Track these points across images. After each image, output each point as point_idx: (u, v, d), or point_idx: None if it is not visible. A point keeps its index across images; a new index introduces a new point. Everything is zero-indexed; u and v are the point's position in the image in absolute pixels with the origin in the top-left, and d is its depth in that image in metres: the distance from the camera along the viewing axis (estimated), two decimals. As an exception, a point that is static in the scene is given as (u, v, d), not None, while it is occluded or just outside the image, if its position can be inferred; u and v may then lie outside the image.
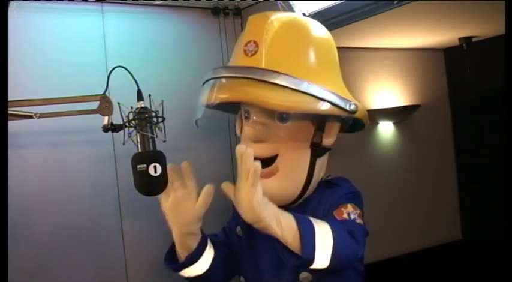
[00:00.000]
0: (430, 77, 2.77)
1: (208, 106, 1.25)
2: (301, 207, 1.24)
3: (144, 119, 1.23)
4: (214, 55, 1.82)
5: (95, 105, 1.30)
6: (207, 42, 1.83)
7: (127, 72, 1.27)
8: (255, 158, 1.22)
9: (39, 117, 1.26)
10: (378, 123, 2.56)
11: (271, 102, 1.13)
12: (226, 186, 1.11)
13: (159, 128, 1.26)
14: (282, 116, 1.19)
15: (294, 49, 1.20)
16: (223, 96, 1.19)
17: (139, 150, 1.22)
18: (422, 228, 2.61)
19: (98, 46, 1.61)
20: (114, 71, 1.28)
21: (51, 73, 1.52)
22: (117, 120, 1.27)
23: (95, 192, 1.58)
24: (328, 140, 1.22)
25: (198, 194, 1.22)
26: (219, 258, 1.29)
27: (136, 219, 1.64)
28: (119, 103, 1.24)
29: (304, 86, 1.13)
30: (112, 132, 1.29)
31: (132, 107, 1.25)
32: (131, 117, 1.24)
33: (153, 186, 1.21)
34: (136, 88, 1.26)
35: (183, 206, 1.20)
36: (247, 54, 1.20)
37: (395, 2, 1.42)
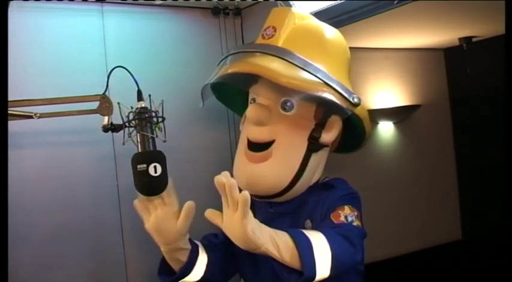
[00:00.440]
0: (430, 77, 2.77)
1: (219, 92, 1.25)
2: (298, 210, 1.24)
3: (144, 119, 1.23)
4: (214, 55, 1.81)
5: (95, 105, 1.30)
6: (207, 42, 1.82)
7: (127, 72, 1.27)
8: (253, 142, 1.22)
9: (39, 117, 1.26)
10: (377, 123, 2.56)
11: (277, 76, 1.13)
12: (213, 215, 1.08)
13: (159, 128, 1.26)
14: (286, 104, 1.19)
15: (310, 40, 1.23)
16: (232, 69, 1.21)
17: (139, 150, 1.23)
18: (422, 228, 2.61)
19: (98, 46, 1.61)
20: (114, 71, 1.29)
21: (51, 73, 1.52)
22: (117, 120, 1.27)
23: (95, 192, 1.58)
24: (327, 136, 1.22)
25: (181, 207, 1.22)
26: (215, 260, 1.28)
27: (137, 219, 1.63)
28: (119, 103, 1.24)
29: (312, 68, 1.15)
30: (112, 132, 1.29)
31: (132, 107, 1.25)
32: (131, 117, 1.24)
33: (153, 186, 1.21)
34: (136, 88, 1.27)
35: (164, 224, 1.20)
36: (264, 38, 1.23)
37: (395, 2, 1.42)
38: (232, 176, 1.06)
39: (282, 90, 1.18)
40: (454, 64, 2.78)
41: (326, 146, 1.25)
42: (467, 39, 2.35)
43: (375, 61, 2.53)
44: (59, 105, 1.29)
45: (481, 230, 2.72)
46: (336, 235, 1.06)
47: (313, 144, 1.22)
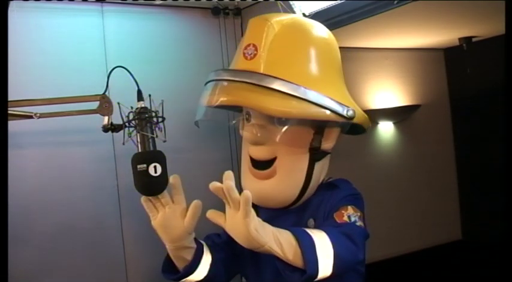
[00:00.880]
0: (430, 77, 2.77)
1: (209, 107, 1.25)
2: (302, 209, 1.24)
3: (144, 119, 1.23)
4: (214, 55, 1.82)
5: (95, 105, 1.30)
6: (207, 42, 1.82)
7: (127, 72, 1.27)
8: (255, 160, 1.22)
9: (39, 117, 1.26)
10: (377, 123, 2.56)
11: (268, 108, 1.13)
12: (215, 215, 1.08)
13: (159, 128, 1.26)
14: (281, 120, 1.19)
15: (293, 53, 1.20)
16: (223, 99, 1.20)
17: (139, 150, 1.23)
18: (422, 228, 2.61)
19: (98, 46, 1.61)
20: (114, 71, 1.29)
21: (51, 73, 1.52)
22: (117, 120, 1.27)
23: (95, 192, 1.58)
24: (327, 144, 1.22)
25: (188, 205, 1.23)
26: (219, 260, 1.29)
27: (136, 219, 1.64)
28: (119, 103, 1.24)
29: (301, 92, 1.12)
30: (112, 132, 1.29)
31: (132, 107, 1.25)
32: (131, 117, 1.24)
33: (153, 186, 1.21)
34: (136, 88, 1.26)
35: (172, 222, 1.20)
36: (246, 58, 1.20)
37: (395, 2, 1.42)
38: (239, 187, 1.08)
39: None
40: (454, 64, 2.77)
41: (328, 152, 1.25)
42: (467, 39, 2.34)
43: (375, 61, 2.53)
44: (59, 105, 1.29)
45: (481, 230, 2.72)
46: (339, 234, 1.06)
47: (315, 154, 1.22)
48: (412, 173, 2.64)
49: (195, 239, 1.27)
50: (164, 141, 1.25)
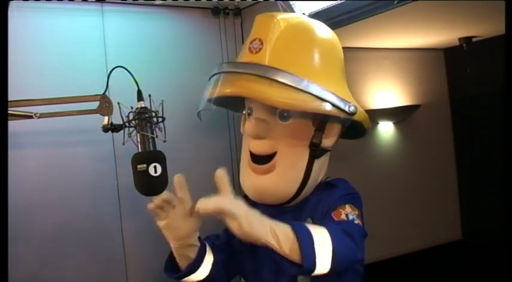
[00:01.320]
0: (430, 77, 2.77)
1: (210, 100, 1.24)
2: (299, 208, 1.24)
3: (144, 119, 1.23)
4: (214, 55, 1.82)
5: (95, 105, 1.30)
6: (207, 42, 1.82)
7: (127, 72, 1.27)
8: (255, 155, 1.22)
9: (39, 117, 1.26)
10: (377, 123, 2.56)
11: (270, 98, 1.13)
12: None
13: (159, 128, 1.26)
14: (283, 114, 1.19)
15: (298, 49, 1.21)
16: (226, 90, 1.20)
17: (139, 150, 1.23)
18: (422, 228, 2.61)
19: (98, 46, 1.61)
20: (114, 71, 1.29)
21: (51, 73, 1.52)
22: (117, 120, 1.27)
23: (95, 192, 1.58)
24: (327, 141, 1.22)
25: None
26: (220, 261, 1.29)
27: (136, 219, 1.64)
28: (119, 103, 1.24)
29: (304, 85, 1.13)
30: (112, 132, 1.29)
31: (132, 107, 1.25)
32: (131, 117, 1.24)
33: (153, 186, 1.21)
34: (137, 88, 1.27)
35: (177, 222, 1.19)
36: (251, 52, 1.21)
37: (396, 2, 1.42)
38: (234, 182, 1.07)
39: None
40: (454, 64, 2.78)
41: (328, 150, 1.25)
42: (467, 39, 2.35)
43: (375, 61, 2.53)
44: (59, 105, 1.29)
45: (481, 230, 2.72)
46: (339, 230, 1.06)
47: (315, 151, 1.22)
48: (412, 173, 2.64)
49: (199, 238, 1.27)
50: (164, 141, 1.25)
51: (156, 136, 1.24)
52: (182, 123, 1.62)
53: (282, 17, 1.23)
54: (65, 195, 1.53)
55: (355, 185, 1.28)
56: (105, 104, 1.30)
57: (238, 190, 1.80)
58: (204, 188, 1.64)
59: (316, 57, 1.21)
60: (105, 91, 1.31)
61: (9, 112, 1.19)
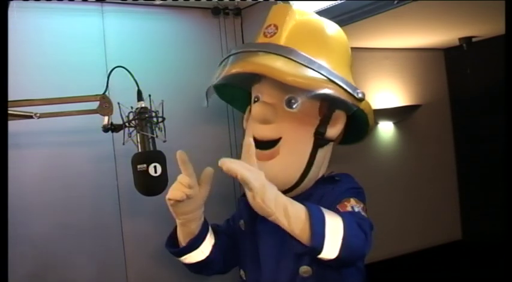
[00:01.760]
0: (430, 77, 2.77)
1: (221, 80, 1.24)
2: (303, 202, 1.24)
3: (144, 119, 1.23)
4: (214, 55, 1.82)
5: (95, 105, 1.30)
6: (207, 42, 1.82)
7: (127, 72, 1.27)
8: (260, 140, 1.23)
9: (39, 117, 1.26)
10: (377, 123, 2.56)
11: (282, 75, 1.14)
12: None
13: (159, 128, 1.26)
14: (291, 101, 1.20)
15: (312, 37, 1.23)
16: (236, 69, 1.20)
17: (139, 150, 1.22)
18: (422, 228, 2.61)
19: (98, 46, 1.61)
20: (114, 71, 1.29)
21: (51, 73, 1.52)
22: (117, 120, 1.27)
23: (94, 192, 1.58)
24: (332, 131, 1.23)
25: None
26: (219, 246, 1.29)
27: (136, 219, 1.64)
28: (119, 103, 1.24)
29: (316, 66, 1.15)
30: (112, 132, 1.29)
31: (132, 107, 1.25)
32: (131, 117, 1.24)
33: (153, 186, 1.21)
34: (137, 88, 1.27)
35: (190, 198, 1.18)
36: (266, 36, 1.22)
37: (396, 2, 1.42)
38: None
39: (286, 88, 1.18)
40: (454, 64, 2.78)
41: (332, 140, 1.26)
42: (467, 39, 2.35)
43: (375, 61, 2.53)
44: (59, 105, 1.29)
45: (481, 230, 2.72)
46: (352, 220, 1.05)
47: (320, 140, 1.22)
48: (412, 173, 2.64)
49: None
50: (164, 141, 1.25)
51: (156, 136, 1.24)
52: (182, 123, 1.62)
53: (297, 8, 1.26)
54: (65, 195, 1.53)
55: (357, 183, 1.29)
56: (105, 104, 1.30)
57: (238, 189, 1.80)
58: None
59: (329, 46, 1.23)
60: (105, 91, 1.31)
61: (9, 112, 1.19)
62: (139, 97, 1.26)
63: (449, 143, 2.84)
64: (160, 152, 1.22)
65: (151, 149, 1.22)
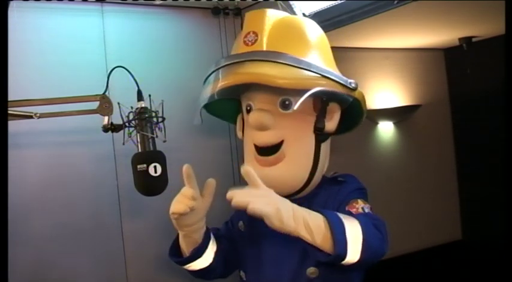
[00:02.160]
0: (430, 77, 2.77)
1: (211, 97, 1.24)
2: (308, 202, 1.24)
3: (144, 119, 1.23)
4: (215, 55, 1.82)
5: (95, 105, 1.30)
6: (207, 42, 1.82)
7: (127, 72, 1.27)
8: (260, 147, 1.23)
9: (39, 117, 1.26)
10: (377, 123, 2.56)
11: (274, 80, 1.14)
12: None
13: (159, 128, 1.26)
14: (285, 103, 1.20)
15: (292, 37, 1.23)
16: (227, 82, 1.19)
17: (139, 150, 1.22)
18: (423, 228, 2.61)
19: (98, 46, 1.61)
20: (114, 71, 1.28)
21: (51, 73, 1.52)
22: (117, 120, 1.27)
23: (95, 192, 1.58)
24: (330, 124, 1.24)
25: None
26: (221, 251, 1.30)
27: (136, 219, 1.64)
28: (119, 103, 1.24)
29: (305, 64, 1.16)
30: (112, 132, 1.29)
31: (132, 107, 1.25)
32: (131, 117, 1.24)
33: (153, 186, 1.21)
34: (137, 88, 1.26)
35: (193, 210, 1.18)
36: (247, 44, 1.22)
37: (396, 2, 1.42)
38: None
39: (278, 91, 1.18)
40: (454, 64, 2.78)
41: (332, 133, 1.27)
42: (467, 39, 2.35)
43: (375, 61, 2.53)
44: (59, 105, 1.29)
45: (481, 230, 2.72)
46: (368, 222, 1.06)
47: (320, 135, 1.23)
48: (412, 173, 2.64)
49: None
50: (164, 141, 1.25)
51: (156, 136, 1.24)
52: (182, 123, 1.62)
53: (270, 11, 1.27)
54: (65, 195, 1.53)
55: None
56: (105, 104, 1.29)
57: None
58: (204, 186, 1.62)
59: (310, 42, 1.23)
60: (105, 91, 1.31)
61: (9, 112, 1.19)
62: (139, 97, 1.26)
63: (449, 143, 2.84)
64: (160, 152, 1.22)
65: (151, 149, 1.22)
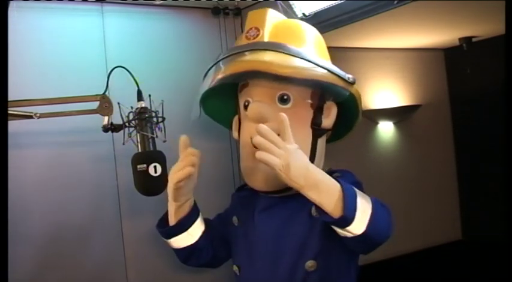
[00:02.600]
0: (430, 77, 2.77)
1: (205, 104, 1.24)
2: (303, 196, 1.25)
3: (144, 119, 1.23)
4: (215, 55, 1.81)
5: (95, 105, 1.30)
6: (207, 42, 1.82)
7: (127, 72, 1.27)
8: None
9: (39, 117, 1.26)
10: (377, 123, 2.56)
11: (274, 68, 1.15)
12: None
13: (159, 128, 1.26)
14: (283, 97, 1.21)
15: (291, 34, 1.25)
16: (227, 71, 1.20)
17: (139, 150, 1.23)
18: (422, 228, 2.61)
19: (98, 46, 1.61)
20: (114, 71, 1.29)
21: (51, 73, 1.52)
22: (117, 120, 1.27)
23: (95, 192, 1.58)
24: (327, 121, 1.25)
25: None
26: (209, 235, 1.31)
27: (137, 219, 1.64)
28: (119, 103, 1.24)
29: (305, 55, 1.18)
30: (112, 132, 1.29)
31: (132, 107, 1.25)
32: (131, 117, 1.24)
33: (153, 186, 1.21)
34: (137, 88, 1.27)
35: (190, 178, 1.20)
36: (249, 39, 1.24)
37: (396, 2, 1.42)
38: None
39: (276, 86, 1.19)
40: (454, 64, 2.78)
41: (328, 130, 1.28)
42: (467, 39, 2.35)
43: (375, 61, 2.53)
44: (59, 105, 1.29)
45: (481, 230, 2.72)
46: (378, 201, 1.08)
47: (317, 130, 1.24)
48: (412, 173, 2.64)
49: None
50: (164, 141, 1.25)
51: (156, 136, 1.24)
52: (182, 123, 1.62)
53: (272, 11, 1.29)
54: (65, 195, 1.53)
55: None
56: (105, 104, 1.30)
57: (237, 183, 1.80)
58: (204, 187, 1.65)
59: (309, 41, 1.26)
60: (105, 91, 1.31)
61: (9, 112, 1.19)
62: (139, 97, 1.26)
63: (449, 143, 2.84)
64: (160, 152, 1.23)
65: (151, 149, 1.22)
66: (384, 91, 2.57)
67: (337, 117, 1.28)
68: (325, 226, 1.11)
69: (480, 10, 1.80)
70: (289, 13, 1.56)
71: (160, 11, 1.73)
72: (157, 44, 1.73)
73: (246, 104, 1.26)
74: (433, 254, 2.65)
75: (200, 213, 1.30)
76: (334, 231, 1.07)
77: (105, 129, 1.29)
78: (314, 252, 1.16)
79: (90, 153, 1.57)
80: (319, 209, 1.04)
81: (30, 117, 1.25)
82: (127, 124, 1.24)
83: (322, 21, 1.61)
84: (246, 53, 1.20)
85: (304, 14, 1.61)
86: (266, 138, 1.01)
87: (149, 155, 1.21)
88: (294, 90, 1.20)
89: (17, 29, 1.42)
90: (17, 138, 1.41)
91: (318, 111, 1.24)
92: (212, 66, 1.28)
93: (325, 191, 1.02)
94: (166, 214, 1.28)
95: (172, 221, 1.26)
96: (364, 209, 1.02)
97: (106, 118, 1.29)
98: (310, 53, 1.21)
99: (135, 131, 1.23)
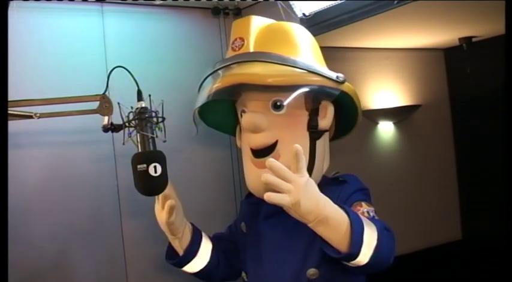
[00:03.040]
0: (430, 77, 2.77)
1: (208, 117, 1.26)
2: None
3: (144, 119, 1.23)
4: (215, 55, 1.82)
5: (95, 105, 1.30)
6: (207, 42, 1.82)
7: (127, 72, 1.27)
8: (256, 150, 1.23)
9: (39, 117, 1.26)
10: (377, 123, 2.56)
11: (262, 79, 1.17)
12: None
13: (159, 128, 1.26)
14: (276, 104, 1.21)
15: (277, 38, 1.25)
16: (216, 86, 1.22)
17: (139, 150, 1.23)
18: (423, 228, 2.61)
19: (98, 46, 1.61)
20: (114, 71, 1.29)
21: (51, 73, 1.52)
22: (117, 120, 1.27)
23: (95, 192, 1.58)
24: (323, 121, 1.25)
25: None
26: (221, 252, 1.31)
27: (137, 219, 1.64)
28: (119, 103, 1.24)
29: (291, 61, 1.19)
30: (112, 132, 1.29)
31: (132, 107, 1.25)
32: (131, 117, 1.24)
33: (153, 186, 1.21)
34: (137, 88, 1.27)
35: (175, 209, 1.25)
36: (234, 50, 1.25)
37: (396, 2, 1.42)
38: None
39: (269, 93, 1.20)
40: (454, 64, 2.77)
41: (326, 130, 1.27)
42: (467, 39, 2.35)
43: (375, 61, 2.53)
44: (59, 105, 1.29)
45: (481, 230, 2.72)
46: (383, 230, 1.07)
47: (314, 133, 1.24)
48: (412, 173, 2.64)
49: (194, 227, 1.33)
50: (164, 141, 1.25)
51: (156, 136, 1.24)
52: (182, 123, 1.62)
53: (256, 18, 1.30)
54: (65, 195, 1.53)
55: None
56: (105, 104, 1.30)
57: (238, 189, 1.80)
58: (204, 187, 1.65)
59: (296, 42, 1.25)
60: (105, 91, 1.31)
61: (9, 112, 1.19)
62: (139, 97, 1.26)
63: (449, 143, 2.84)
64: (160, 152, 1.23)
65: (151, 149, 1.23)
66: (384, 91, 2.57)
67: (338, 115, 1.28)
68: None
69: (480, 10, 1.80)
70: (289, 13, 1.57)
71: (160, 11, 1.73)
72: (157, 44, 1.73)
73: (242, 113, 1.27)
74: (433, 254, 2.65)
75: (203, 233, 1.32)
76: None
77: (105, 129, 1.29)
78: (316, 261, 1.16)
79: (90, 153, 1.57)
80: (324, 242, 1.02)
81: (30, 117, 1.25)
82: (127, 124, 1.24)
83: (322, 21, 1.61)
84: (233, 66, 1.21)
85: (304, 14, 1.61)
86: (276, 173, 0.98)
87: (149, 155, 1.21)
88: (286, 96, 1.20)
89: (17, 29, 1.42)
90: (17, 138, 1.41)
91: (314, 113, 1.24)
92: (204, 80, 1.30)
93: (333, 227, 1.00)
94: (169, 244, 1.33)
95: (180, 251, 1.30)
96: (369, 241, 1.01)
97: (106, 118, 1.29)
98: (298, 56, 1.21)
99: (135, 131, 1.23)
